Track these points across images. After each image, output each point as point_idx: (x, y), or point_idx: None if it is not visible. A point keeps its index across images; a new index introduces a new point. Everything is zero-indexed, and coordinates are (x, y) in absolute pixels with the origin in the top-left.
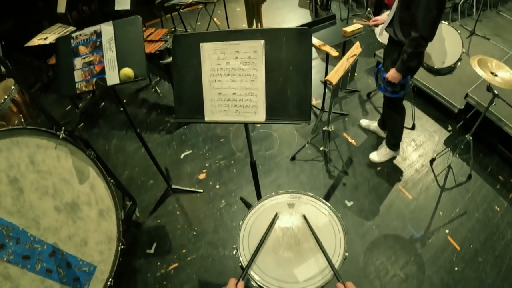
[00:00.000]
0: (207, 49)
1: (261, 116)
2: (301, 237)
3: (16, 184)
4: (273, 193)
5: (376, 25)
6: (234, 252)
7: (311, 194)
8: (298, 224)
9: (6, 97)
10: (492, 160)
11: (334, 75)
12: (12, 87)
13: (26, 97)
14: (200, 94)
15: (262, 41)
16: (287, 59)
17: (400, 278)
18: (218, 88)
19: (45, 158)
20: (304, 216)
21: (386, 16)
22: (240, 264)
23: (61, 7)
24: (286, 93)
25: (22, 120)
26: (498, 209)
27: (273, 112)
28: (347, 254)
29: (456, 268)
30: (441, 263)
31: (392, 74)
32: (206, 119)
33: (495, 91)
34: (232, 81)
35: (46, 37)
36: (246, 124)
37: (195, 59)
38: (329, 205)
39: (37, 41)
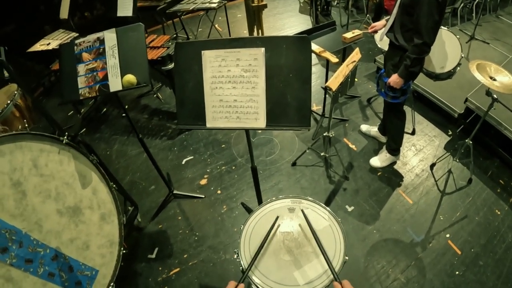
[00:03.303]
0: (208, 56)
1: (261, 123)
2: (302, 241)
3: (19, 187)
4: (273, 198)
5: (375, 32)
6: (235, 256)
7: (311, 198)
8: (298, 229)
9: (9, 102)
10: (492, 163)
11: (334, 81)
12: (15, 92)
13: (29, 101)
14: (202, 101)
15: (263, 49)
16: (287, 66)
17: (401, 282)
18: (219, 95)
19: (48, 162)
20: (303, 211)
21: (384, 21)
22: (241, 268)
23: (64, 13)
24: (286, 100)
25: (26, 125)
26: (498, 212)
27: (274, 119)
28: (347, 258)
29: (457, 272)
30: (441, 266)
31: (395, 79)
32: (208, 125)
33: (494, 96)
34: (233, 88)
35: (49, 43)
36: (247, 130)
37: (196, 66)
38: (329, 210)
39: (39, 46)
